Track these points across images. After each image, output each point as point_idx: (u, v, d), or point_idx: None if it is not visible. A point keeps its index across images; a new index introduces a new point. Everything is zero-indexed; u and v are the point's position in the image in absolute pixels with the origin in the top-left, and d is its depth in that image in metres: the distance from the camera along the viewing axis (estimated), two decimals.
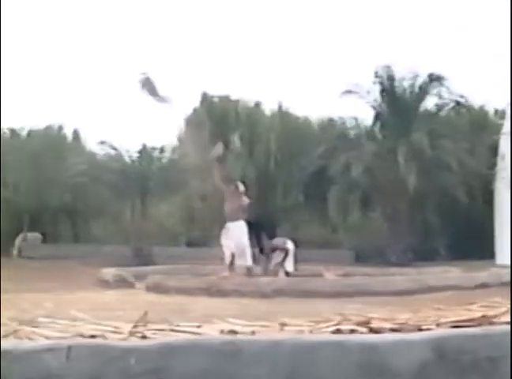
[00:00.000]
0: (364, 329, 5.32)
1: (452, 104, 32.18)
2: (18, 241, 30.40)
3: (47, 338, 4.76)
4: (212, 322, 5.93)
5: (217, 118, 36.34)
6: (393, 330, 5.38)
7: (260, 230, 18.37)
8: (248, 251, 14.79)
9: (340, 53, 48.89)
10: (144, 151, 30.29)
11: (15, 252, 30.05)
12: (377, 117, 32.56)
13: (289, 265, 19.02)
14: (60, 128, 34.43)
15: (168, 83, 46.92)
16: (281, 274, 16.63)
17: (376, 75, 31.86)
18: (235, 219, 14.98)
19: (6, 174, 28.03)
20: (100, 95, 49.72)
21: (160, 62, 48.67)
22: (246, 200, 15.46)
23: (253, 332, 5.14)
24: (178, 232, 34.27)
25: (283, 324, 5.56)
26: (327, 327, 5.44)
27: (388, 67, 31.68)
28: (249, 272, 14.37)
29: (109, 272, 15.20)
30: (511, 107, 29.44)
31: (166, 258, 26.50)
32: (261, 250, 17.06)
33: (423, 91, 31.78)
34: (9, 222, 30.60)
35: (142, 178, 28.88)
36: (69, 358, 4.17)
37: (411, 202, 31.01)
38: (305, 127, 35.56)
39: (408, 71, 31.55)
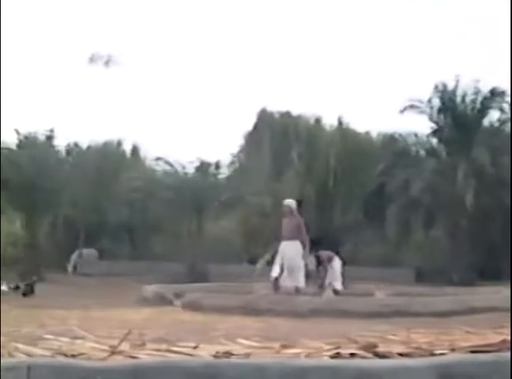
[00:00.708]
0: (369, 353, 4.92)
1: None
2: (74, 257, 30.46)
3: (29, 355, 4.46)
4: (220, 343, 5.61)
5: (277, 134, 36.22)
6: (401, 354, 4.97)
7: (318, 246, 18.17)
8: (301, 272, 14.45)
9: (402, 67, 48.32)
10: (200, 167, 30.12)
11: (70, 268, 30.12)
12: (437, 132, 31.83)
13: (338, 283, 18.60)
14: (119, 143, 34.61)
15: (229, 98, 47.39)
16: (329, 292, 16.20)
17: (437, 90, 31.20)
18: (289, 238, 14.74)
19: (64, 191, 28.13)
20: (158, 111, 50.09)
21: (220, 78, 49.02)
22: (300, 220, 15.15)
23: (247, 355, 4.79)
24: (238, 249, 33.99)
25: (283, 347, 5.20)
26: (328, 350, 5.05)
27: (449, 82, 31.04)
28: (297, 291, 14.02)
29: (150, 289, 14.99)
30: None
31: (222, 276, 26.37)
32: (319, 264, 16.73)
33: (485, 106, 30.95)
34: (66, 238, 30.78)
35: (198, 194, 28.66)
36: (30, 377, 3.91)
37: (473, 220, 30.14)
38: (365, 143, 35.03)
39: (470, 86, 30.81)
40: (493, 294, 14.22)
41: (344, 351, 4.94)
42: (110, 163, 30.83)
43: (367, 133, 35.99)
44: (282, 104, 39.30)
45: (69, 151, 29.82)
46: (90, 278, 27.30)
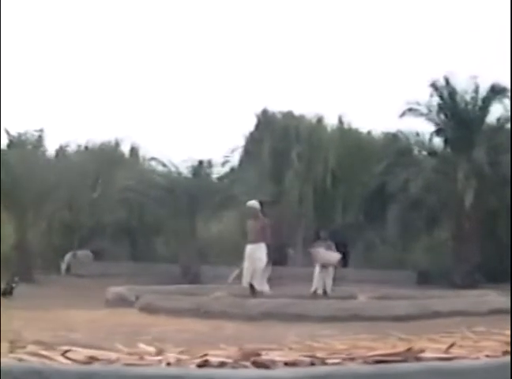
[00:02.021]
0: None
1: None
2: (67, 258, 30.09)
3: None
4: (112, 349, 5.19)
5: (278, 135, 35.74)
6: (287, 363, 4.46)
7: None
8: (263, 275, 14.08)
9: (403, 66, 47.77)
10: (197, 168, 29.60)
11: (63, 269, 29.76)
12: (439, 131, 31.14)
13: (329, 285, 18.25)
14: (117, 143, 34.20)
15: (231, 98, 47.01)
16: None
17: (436, 88, 30.51)
18: (254, 241, 14.28)
19: (56, 191, 27.76)
20: (159, 111, 49.75)
21: (221, 78, 48.66)
22: (265, 221, 14.75)
23: (113, 361, 4.38)
24: (236, 250, 33.42)
25: (159, 352, 4.73)
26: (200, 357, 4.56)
27: (449, 79, 30.31)
28: (256, 294, 13.64)
29: (112, 291, 14.58)
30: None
31: (216, 277, 25.94)
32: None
33: (486, 103, 30.22)
34: (61, 239, 30.46)
35: (193, 194, 28.15)
36: None
37: (475, 220, 29.41)
38: (366, 142, 34.41)
39: (470, 83, 30.12)
40: (474, 297, 13.73)
41: (216, 359, 4.53)
42: (104, 164, 30.35)
43: (369, 132, 35.36)
44: (284, 104, 38.66)
45: (60, 152, 29.31)
46: (82, 279, 26.95)
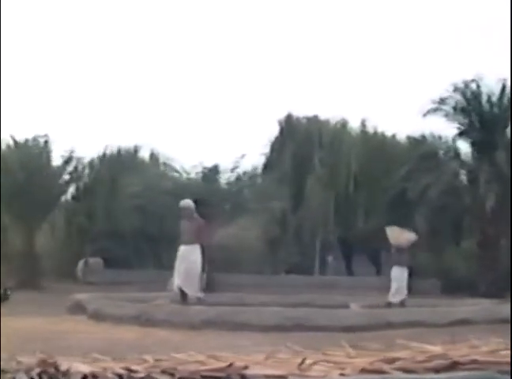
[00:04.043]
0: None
1: None
2: (80, 266, 29.74)
3: None
4: None
5: (301, 140, 35.21)
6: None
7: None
8: (198, 279, 13.45)
9: (425, 68, 46.73)
10: (214, 173, 28.98)
11: (80, 275, 29.46)
12: (462, 134, 30.14)
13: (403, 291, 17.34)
14: (136, 150, 33.87)
15: (253, 104, 46.48)
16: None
17: (460, 90, 29.53)
18: (189, 242, 13.75)
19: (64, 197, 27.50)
20: (184, 118, 49.33)
21: (245, 84, 48.15)
22: (201, 222, 14.23)
23: None
24: (256, 258, 32.77)
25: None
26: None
27: (474, 80, 29.31)
28: (187, 300, 13.04)
29: (72, 298, 14.06)
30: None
31: (226, 285, 25.37)
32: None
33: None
34: (77, 246, 30.15)
35: (207, 199, 27.46)
36: None
37: (500, 226, 28.30)
38: (389, 146, 33.56)
39: (496, 85, 29.08)
40: (462, 306, 12.95)
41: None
42: (119, 170, 29.99)
43: (394, 135, 34.47)
44: (308, 109, 37.86)
45: (68, 157, 28.94)
46: (92, 286, 26.50)
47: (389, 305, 16.37)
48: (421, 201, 28.68)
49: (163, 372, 4.03)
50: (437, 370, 4.57)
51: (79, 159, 29.25)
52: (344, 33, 50.56)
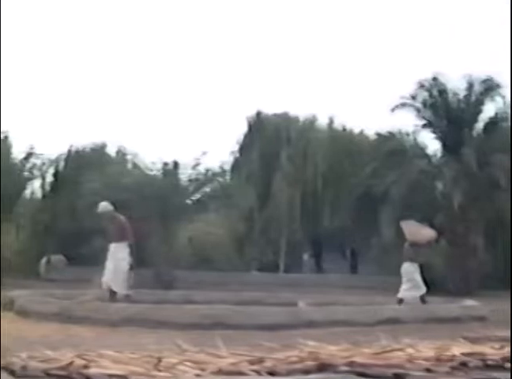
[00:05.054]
0: None
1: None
2: (42, 263, 29.40)
3: None
4: None
5: (269, 137, 34.97)
6: None
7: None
8: (124, 276, 13.40)
9: (395, 64, 46.70)
10: (174, 169, 28.58)
11: (42, 272, 29.13)
12: (430, 131, 29.95)
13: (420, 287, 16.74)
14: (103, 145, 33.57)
15: (224, 100, 46.20)
16: None
17: (429, 86, 29.34)
18: (116, 240, 14.01)
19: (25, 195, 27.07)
20: (151, 113, 49.02)
21: (214, 81, 47.91)
22: (123, 221, 14.13)
23: None
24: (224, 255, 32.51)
25: None
26: None
27: (441, 77, 29.14)
28: (115, 297, 13.20)
29: (5, 295, 13.82)
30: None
31: (192, 283, 25.09)
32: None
33: (479, 101, 28.94)
34: (37, 244, 29.82)
35: (170, 196, 27.16)
36: None
37: (468, 224, 28.07)
38: (357, 144, 33.35)
39: (463, 81, 28.89)
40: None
41: None
42: (76, 167, 29.70)
43: (362, 132, 34.30)
44: (277, 106, 37.73)
45: (27, 154, 28.56)
46: (52, 283, 26.19)
47: (401, 301, 15.89)
48: (386, 199, 28.40)
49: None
50: (305, 372, 4.37)
51: (40, 156, 28.86)
52: (314, 31, 50.52)
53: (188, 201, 28.32)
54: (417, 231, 16.95)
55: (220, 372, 4.25)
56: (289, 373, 4.35)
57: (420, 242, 17.18)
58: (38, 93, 44.94)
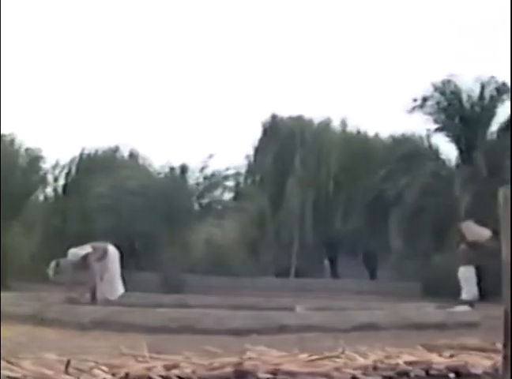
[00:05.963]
0: None
1: None
2: (51, 266, 29.19)
3: None
4: None
5: (284, 140, 34.75)
6: None
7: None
8: (114, 279, 13.31)
9: (405, 68, 46.02)
10: (187, 172, 28.48)
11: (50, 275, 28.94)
12: (443, 134, 29.62)
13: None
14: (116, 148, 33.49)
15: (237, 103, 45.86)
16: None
17: (442, 88, 28.99)
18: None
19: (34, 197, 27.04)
20: (165, 116, 48.67)
21: (229, 84, 47.59)
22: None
23: None
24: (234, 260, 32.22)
25: None
26: None
27: (453, 79, 28.78)
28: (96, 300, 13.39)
29: None
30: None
31: (201, 288, 24.87)
32: None
33: (493, 104, 28.53)
34: (50, 247, 29.66)
35: (180, 200, 27.01)
36: None
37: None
38: (370, 146, 33.05)
39: (476, 82, 28.50)
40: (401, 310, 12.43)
41: None
42: (86, 170, 29.62)
43: (376, 135, 34.01)
44: (292, 109, 37.31)
45: (35, 157, 28.50)
46: (59, 287, 26.07)
47: (472, 304, 15.75)
48: (398, 202, 28.11)
49: None
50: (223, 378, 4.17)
51: (50, 160, 28.86)
52: (328, 34, 49.99)
53: (200, 205, 28.14)
54: (477, 231, 16.64)
55: (126, 377, 4.07)
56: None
57: (479, 242, 16.89)
58: (51, 96, 44.54)
